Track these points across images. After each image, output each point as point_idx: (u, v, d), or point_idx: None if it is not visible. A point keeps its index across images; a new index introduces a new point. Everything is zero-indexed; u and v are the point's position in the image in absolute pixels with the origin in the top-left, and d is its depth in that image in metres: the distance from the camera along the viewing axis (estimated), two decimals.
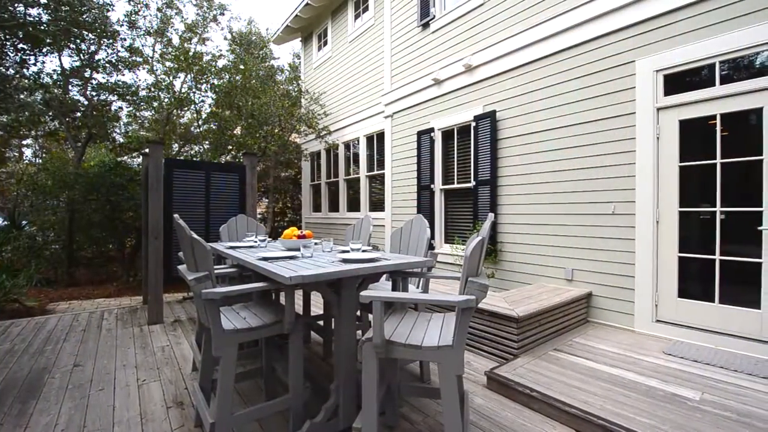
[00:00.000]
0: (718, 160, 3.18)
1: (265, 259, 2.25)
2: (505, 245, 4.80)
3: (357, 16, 8.18)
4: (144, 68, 8.73)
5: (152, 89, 8.19)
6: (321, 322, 3.68)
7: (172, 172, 4.86)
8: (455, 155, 5.60)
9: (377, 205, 7.58)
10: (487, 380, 2.71)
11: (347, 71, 8.38)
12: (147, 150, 4.81)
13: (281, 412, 2.35)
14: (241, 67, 8.42)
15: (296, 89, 10.17)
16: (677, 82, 3.41)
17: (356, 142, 8.18)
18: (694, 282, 3.35)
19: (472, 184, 5.20)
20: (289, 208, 12.82)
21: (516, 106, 4.67)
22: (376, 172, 7.56)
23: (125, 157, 9.42)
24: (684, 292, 3.37)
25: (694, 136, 3.33)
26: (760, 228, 2.97)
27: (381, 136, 7.42)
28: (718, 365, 2.76)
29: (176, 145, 9.17)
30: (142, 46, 8.73)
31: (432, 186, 5.87)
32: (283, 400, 2.08)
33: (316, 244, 3.08)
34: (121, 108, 8.86)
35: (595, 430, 2.07)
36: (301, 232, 2.78)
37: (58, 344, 3.69)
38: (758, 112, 2.99)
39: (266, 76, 9.25)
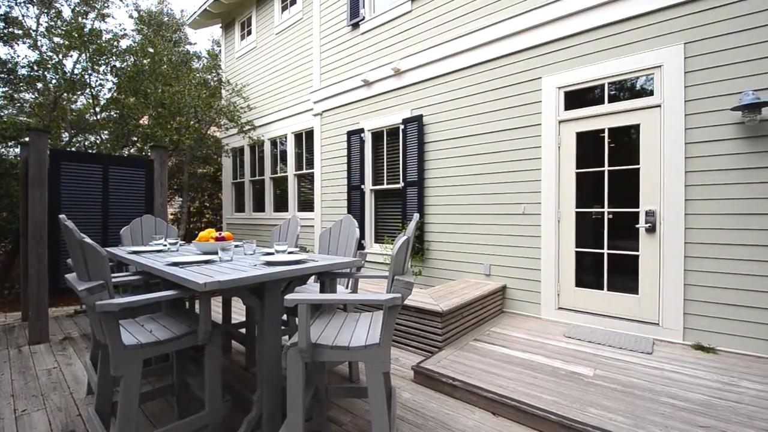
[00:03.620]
0: (606, 168, 3.68)
1: (175, 264, 2.04)
2: (432, 244, 5.01)
3: (284, 8, 7.87)
4: (25, 42, 7.40)
5: (35, 68, 6.97)
6: (243, 330, 3.46)
7: (60, 166, 4.17)
8: (385, 156, 5.69)
9: (306, 205, 7.38)
10: (414, 374, 2.79)
11: (274, 64, 8.02)
12: (27, 139, 4.08)
13: (197, 430, 2.15)
14: (150, 50, 7.57)
15: (215, 79, 9.45)
16: (575, 98, 3.87)
17: (284, 139, 7.87)
18: (588, 273, 3.83)
19: (401, 185, 5.33)
20: (207, 208, 11.88)
21: (441, 112, 4.89)
22: (305, 171, 7.35)
23: None
24: (580, 282, 3.83)
25: (588, 146, 3.81)
26: (637, 226, 3.51)
27: (310, 134, 7.24)
28: (608, 344, 3.19)
29: (66, 134, 7.92)
30: (23, 16, 7.38)
31: (362, 186, 5.88)
32: (199, 417, 1.90)
33: (236, 246, 2.89)
34: None
35: (509, 411, 2.25)
36: (220, 234, 2.58)
37: None
38: (637, 128, 3.52)
39: (180, 62, 8.44)
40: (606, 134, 3.67)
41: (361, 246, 5.83)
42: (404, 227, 5.14)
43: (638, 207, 3.49)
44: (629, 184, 3.55)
